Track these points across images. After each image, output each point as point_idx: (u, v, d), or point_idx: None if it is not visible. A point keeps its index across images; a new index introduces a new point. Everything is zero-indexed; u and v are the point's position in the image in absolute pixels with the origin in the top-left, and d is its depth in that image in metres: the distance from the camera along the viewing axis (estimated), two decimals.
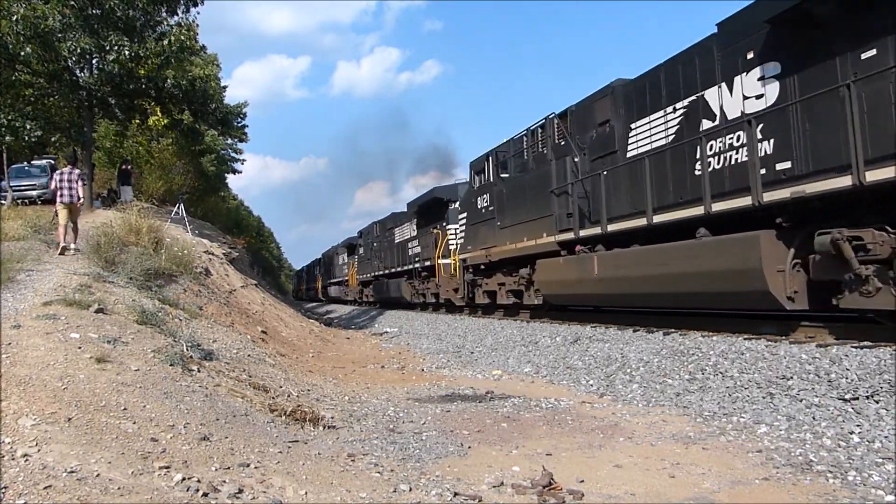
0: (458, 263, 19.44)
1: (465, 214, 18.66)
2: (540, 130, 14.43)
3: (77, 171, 12.31)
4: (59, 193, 11.73)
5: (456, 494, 4.08)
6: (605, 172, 11.17)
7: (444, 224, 21.41)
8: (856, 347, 6.68)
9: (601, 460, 4.92)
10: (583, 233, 11.99)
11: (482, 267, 17.33)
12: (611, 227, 11.07)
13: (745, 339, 8.10)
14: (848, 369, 6.08)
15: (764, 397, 6.15)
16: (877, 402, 5.30)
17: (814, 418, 5.37)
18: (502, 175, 16.00)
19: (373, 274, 32.65)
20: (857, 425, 5.00)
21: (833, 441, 4.85)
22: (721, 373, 7.13)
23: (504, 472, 4.64)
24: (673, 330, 9.71)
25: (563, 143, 13.05)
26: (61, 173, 12.07)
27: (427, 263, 22.97)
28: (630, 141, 10.87)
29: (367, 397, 8.06)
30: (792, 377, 6.35)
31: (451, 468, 4.75)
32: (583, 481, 4.37)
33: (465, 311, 19.88)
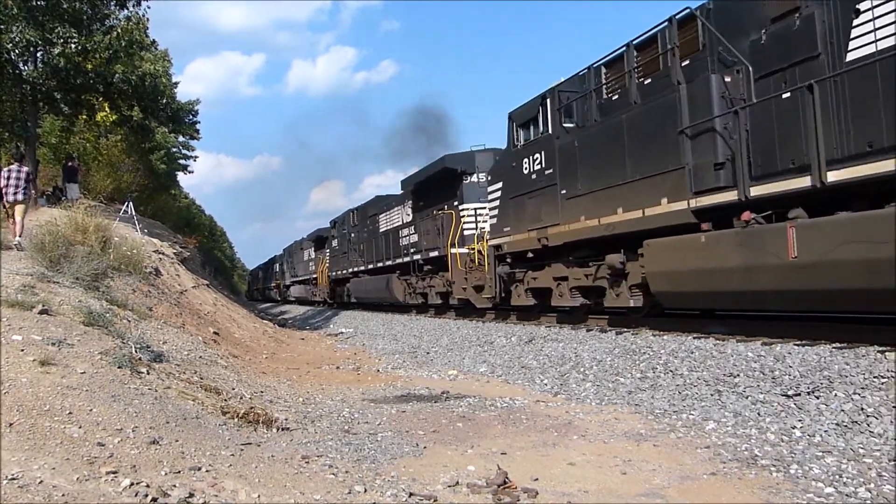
0: (485, 252, 14.31)
1: (497, 186, 13.73)
2: (635, 53, 9.87)
3: (25, 168, 12.42)
4: (6, 191, 11.77)
5: (411, 495, 4.09)
6: (812, 87, 6.75)
7: (457, 203, 16.93)
8: (798, 345, 6.92)
9: (555, 458, 4.98)
10: (758, 190, 7.49)
11: (529, 255, 12.72)
12: (834, 176, 6.59)
13: (694, 338, 8.31)
14: (791, 366, 6.30)
15: (712, 395, 6.32)
16: (817, 398, 5.50)
17: (759, 414, 5.54)
18: (566, 125, 11.43)
19: (350, 270, 27.50)
20: (799, 420, 5.19)
21: (777, 436, 5.02)
22: (671, 371, 7.29)
23: (459, 471, 4.66)
24: (625, 329, 9.89)
25: (687, 62, 8.80)
26: (9, 171, 12.03)
27: (434, 254, 18.07)
28: (856, 33, 6.61)
29: (322, 398, 7.99)
30: (739, 375, 6.54)
31: (406, 468, 4.75)
32: (537, 479, 4.42)
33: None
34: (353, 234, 27.70)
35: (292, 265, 44.58)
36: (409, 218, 20.63)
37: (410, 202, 20.54)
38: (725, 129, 8.00)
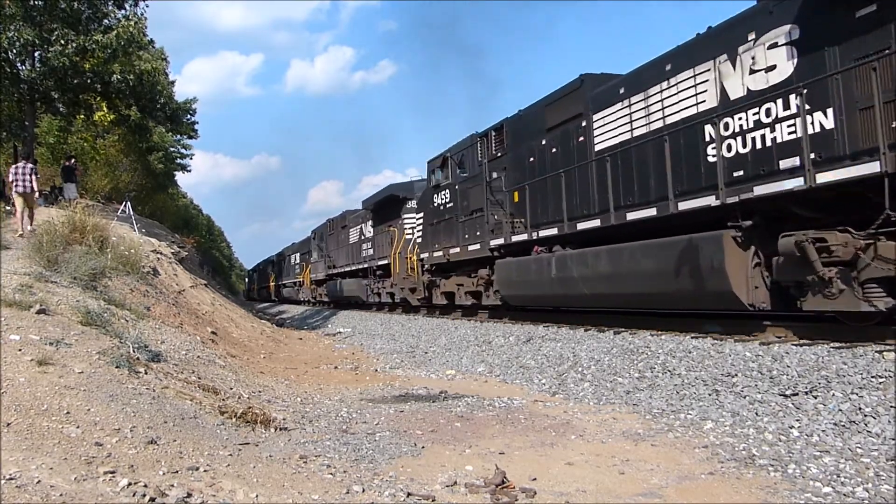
0: None
1: None
2: None
3: (31, 165, 13.96)
4: (14, 184, 13.31)
5: (409, 495, 4.08)
6: None
7: None
8: (796, 345, 6.92)
9: (553, 458, 4.98)
10: None
11: None
12: None
13: (692, 337, 8.31)
14: (789, 366, 6.30)
15: (710, 394, 6.32)
16: (815, 398, 5.50)
17: (757, 414, 5.55)
18: None
19: (494, 243, 13.52)
20: (797, 420, 5.19)
21: (774, 436, 5.03)
22: (669, 371, 7.29)
23: (457, 471, 4.66)
24: (623, 329, 9.89)
25: None
26: (16, 167, 13.66)
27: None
28: None
29: (320, 398, 7.99)
30: (737, 374, 6.54)
31: (404, 468, 4.75)
32: (535, 479, 4.42)
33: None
34: (493, 175, 14.02)
35: (326, 253, 31.97)
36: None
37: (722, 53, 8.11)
38: None
